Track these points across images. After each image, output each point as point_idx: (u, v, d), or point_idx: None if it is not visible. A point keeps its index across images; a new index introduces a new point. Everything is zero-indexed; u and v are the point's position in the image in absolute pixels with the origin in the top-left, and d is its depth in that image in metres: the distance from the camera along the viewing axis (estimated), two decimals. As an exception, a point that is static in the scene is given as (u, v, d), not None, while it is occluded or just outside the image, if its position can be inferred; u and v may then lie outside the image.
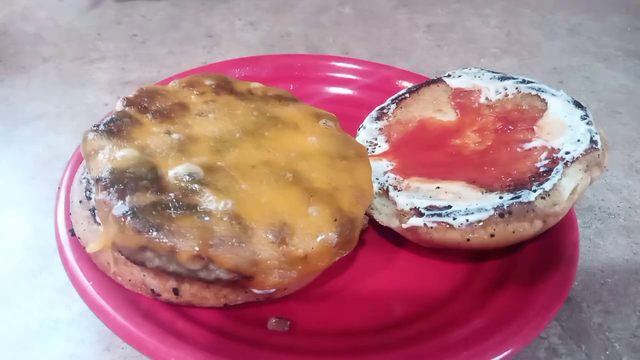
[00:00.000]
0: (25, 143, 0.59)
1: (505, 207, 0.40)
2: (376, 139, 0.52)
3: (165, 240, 0.34)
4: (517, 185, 0.42)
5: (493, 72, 0.54)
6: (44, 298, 0.43)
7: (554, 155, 0.43)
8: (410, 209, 0.42)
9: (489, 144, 0.47)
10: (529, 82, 0.51)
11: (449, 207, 0.41)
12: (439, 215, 0.41)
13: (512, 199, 0.40)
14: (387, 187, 0.45)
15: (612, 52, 0.82)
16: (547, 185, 0.41)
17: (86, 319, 0.41)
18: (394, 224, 0.44)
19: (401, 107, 0.54)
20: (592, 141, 0.44)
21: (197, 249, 0.34)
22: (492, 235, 0.40)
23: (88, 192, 0.40)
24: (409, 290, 0.43)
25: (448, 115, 0.52)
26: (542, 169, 0.42)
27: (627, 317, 0.44)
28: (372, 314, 0.41)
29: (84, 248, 0.39)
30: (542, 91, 0.50)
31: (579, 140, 0.44)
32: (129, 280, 0.38)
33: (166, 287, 0.38)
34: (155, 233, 0.34)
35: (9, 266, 0.45)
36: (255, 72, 0.63)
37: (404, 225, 0.42)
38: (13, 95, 0.66)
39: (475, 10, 0.92)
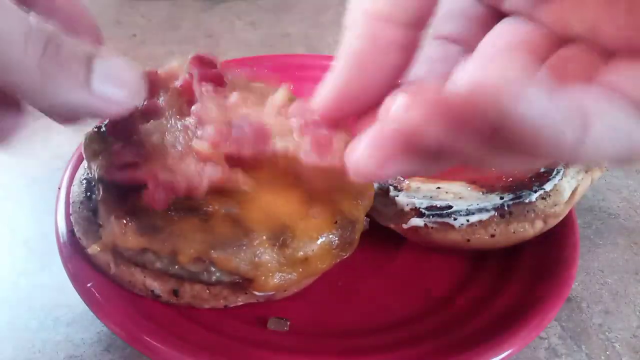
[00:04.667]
0: (25, 143, 0.59)
1: (506, 208, 0.40)
2: (376, 139, 0.51)
3: (166, 242, 0.34)
4: (517, 186, 0.42)
5: (493, 72, 0.54)
6: (44, 298, 0.43)
7: (555, 155, 0.43)
8: (411, 209, 0.42)
9: (490, 144, 0.47)
10: (529, 82, 0.51)
11: (450, 207, 0.41)
12: (440, 215, 0.41)
13: (512, 199, 0.41)
14: (388, 187, 0.45)
15: (613, 52, 0.82)
16: (547, 186, 0.41)
17: (86, 319, 0.41)
18: (394, 224, 0.44)
19: (401, 107, 0.54)
20: (593, 141, 0.44)
21: (198, 251, 0.34)
22: (492, 236, 0.41)
23: (89, 193, 0.40)
24: (409, 291, 0.43)
25: (448, 116, 0.52)
26: (542, 169, 0.42)
27: (627, 318, 0.44)
28: (372, 314, 0.41)
29: (84, 249, 0.39)
30: (543, 91, 0.50)
31: (579, 141, 0.44)
32: (129, 282, 0.38)
33: (166, 289, 0.38)
34: (156, 235, 0.34)
35: (10, 266, 0.45)
36: (255, 72, 0.63)
37: (405, 226, 0.42)
38: (13, 95, 0.66)
39: (475, 10, 0.92)
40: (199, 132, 0.37)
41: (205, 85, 0.37)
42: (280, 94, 0.38)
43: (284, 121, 0.35)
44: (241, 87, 0.41)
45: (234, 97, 0.37)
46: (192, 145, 0.37)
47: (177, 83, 0.42)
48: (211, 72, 0.38)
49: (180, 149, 0.37)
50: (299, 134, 0.34)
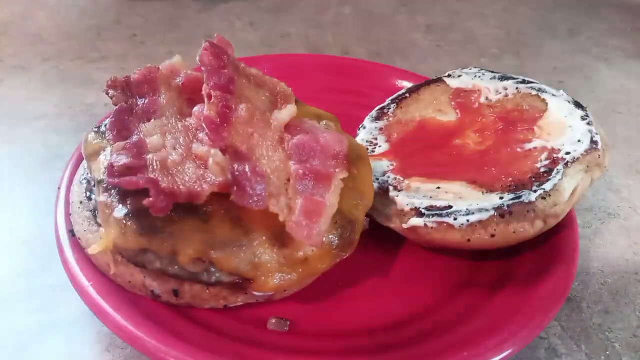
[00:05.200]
0: (25, 143, 0.59)
1: (506, 208, 0.40)
2: (376, 139, 0.51)
3: (166, 242, 0.34)
4: (517, 186, 0.42)
5: (493, 72, 0.54)
6: (44, 298, 0.43)
7: (555, 155, 0.43)
8: (411, 209, 0.42)
9: (490, 144, 0.47)
10: (529, 82, 0.51)
11: (450, 207, 0.41)
12: (440, 215, 0.41)
13: (512, 199, 0.41)
14: (388, 187, 0.45)
15: (613, 52, 0.82)
16: (547, 186, 0.41)
17: (86, 319, 0.41)
18: (394, 224, 0.44)
19: (401, 107, 0.54)
20: (593, 141, 0.44)
21: (198, 252, 0.34)
22: (492, 236, 0.41)
23: (89, 193, 0.40)
24: (409, 291, 0.43)
25: (448, 116, 0.52)
26: (542, 170, 0.42)
27: (627, 318, 0.44)
28: (372, 315, 0.41)
29: (84, 249, 0.39)
30: (543, 91, 0.50)
31: (579, 141, 0.44)
32: (129, 282, 0.38)
33: (166, 289, 0.38)
34: (156, 235, 0.34)
35: (9, 266, 0.45)
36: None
37: (405, 226, 0.42)
38: (13, 95, 0.66)
39: (475, 10, 0.92)
40: (200, 135, 0.37)
41: (215, 92, 0.38)
42: (286, 112, 0.38)
43: (282, 164, 0.36)
44: (254, 80, 0.41)
45: (242, 110, 0.38)
46: (193, 149, 0.37)
47: (179, 80, 0.42)
48: (222, 81, 0.38)
49: (181, 151, 0.37)
50: (295, 180, 0.35)
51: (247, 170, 0.35)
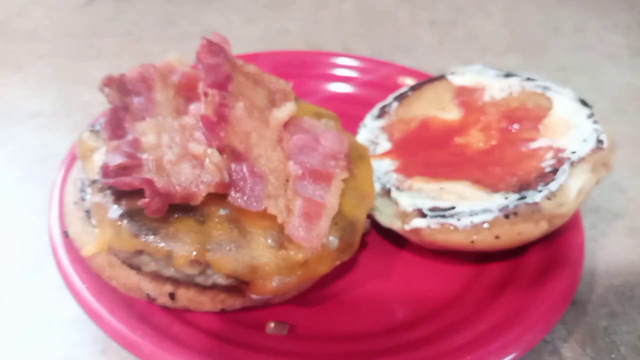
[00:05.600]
0: (20, 141, 0.58)
1: (510, 208, 0.39)
2: (378, 138, 0.51)
3: (161, 244, 0.34)
4: (522, 186, 0.41)
5: (497, 69, 0.53)
6: (40, 299, 0.42)
7: (560, 154, 0.42)
8: (413, 210, 0.41)
9: (494, 143, 0.46)
10: (534, 79, 0.50)
11: (453, 208, 0.40)
12: (443, 216, 0.40)
13: (517, 199, 0.40)
14: (389, 187, 0.44)
15: (618, 50, 0.81)
16: (553, 186, 0.40)
17: (82, 320, 0.40)
18: (396, 225, 0.43)
19: (403, 105, 0.53)
20: (598, 141, 0.43)
21: (194, 253, 0.34)
22: (497, 237, 0.40)
23: (83, 193, 0.40)
24: (411, 294, 0.42)
25: (451, 114, 0.51)
26: (547, 169, 0.42)
27: (633, 320, 0.43)
28: (373, 318, 0.40)
29: (79, 250, 0.38)
30: (548, 89, 0.49)
31: (584, 140, 0.43)
32: (124, 284, 0.37)
33: (162, 292, 0.37)
34: (151, 237, 0.34)
35: (4, 266, 0.45)
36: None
37: (407, 227, 0.42)
38: (8, 93, 0.65)
39: (478, 7, 0.91)
40: (196, 134, 0.37)
41: (212, 90, 0.37)
42: (285, 110, 0.37)
43: (281, 164, 0.35)
44: (252, 77, 0.40)
45: (239, 108, 0.37)
46: (189, 148, 0.36)
47: (175, 78, 0.41)
48: (219, 79, 0.38)
49: (177, 150, 0.36)
50: (294, 181, 0.35)
51: (244, 170, 0.34)
